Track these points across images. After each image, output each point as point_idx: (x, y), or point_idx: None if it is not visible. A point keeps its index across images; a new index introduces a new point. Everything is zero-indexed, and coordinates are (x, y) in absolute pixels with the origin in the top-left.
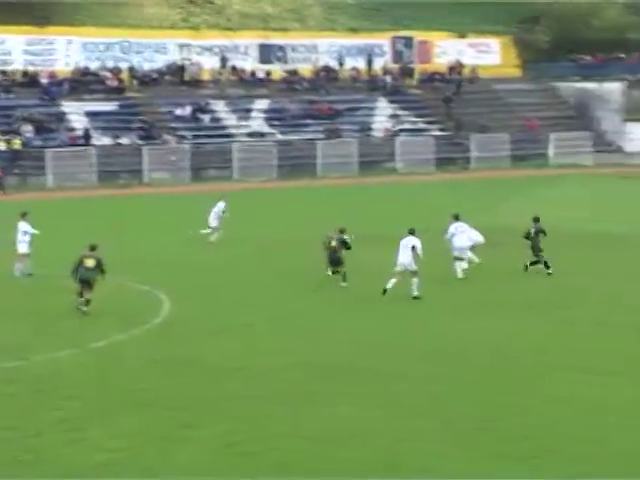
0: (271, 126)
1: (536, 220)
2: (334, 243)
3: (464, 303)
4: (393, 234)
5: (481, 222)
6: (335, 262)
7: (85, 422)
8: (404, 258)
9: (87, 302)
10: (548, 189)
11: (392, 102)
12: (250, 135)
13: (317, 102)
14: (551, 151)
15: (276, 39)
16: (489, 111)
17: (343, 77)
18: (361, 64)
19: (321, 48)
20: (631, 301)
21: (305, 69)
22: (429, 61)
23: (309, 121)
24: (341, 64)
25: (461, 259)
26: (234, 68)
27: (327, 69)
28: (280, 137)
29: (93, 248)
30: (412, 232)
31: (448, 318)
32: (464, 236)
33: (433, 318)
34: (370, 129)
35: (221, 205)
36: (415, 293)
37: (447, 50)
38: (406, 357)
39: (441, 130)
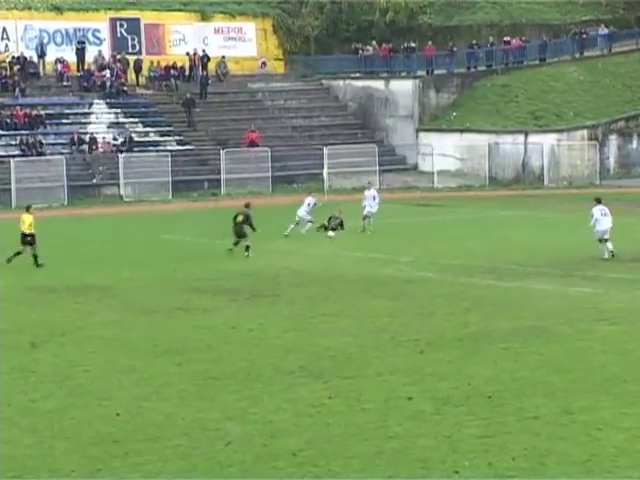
0: None
1: None
2: (240, 218)
3: None
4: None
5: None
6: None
7: None
8: None
9: None
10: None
11: (113, 106)
12: None
13: (9, 106)
14: (326, 170)
15: None
16: (244, 118)
17: (45, 73)
18: (70, 55)
19: (13, 33)
20: None
21: None
22: (162, 52)
23: None
24: (42, 55)
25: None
26: None
27: (23, 61)
28: None
29: None
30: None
31: None
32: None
33: None
34: (83, 143)
35: None
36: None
37: (186, 37)
38: None
39: (180, 144)
